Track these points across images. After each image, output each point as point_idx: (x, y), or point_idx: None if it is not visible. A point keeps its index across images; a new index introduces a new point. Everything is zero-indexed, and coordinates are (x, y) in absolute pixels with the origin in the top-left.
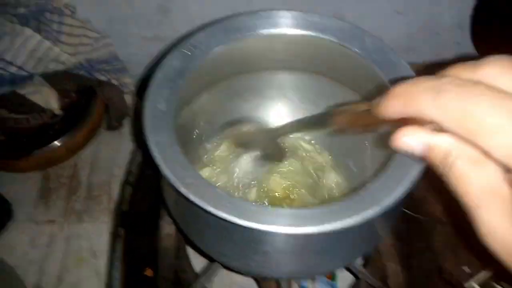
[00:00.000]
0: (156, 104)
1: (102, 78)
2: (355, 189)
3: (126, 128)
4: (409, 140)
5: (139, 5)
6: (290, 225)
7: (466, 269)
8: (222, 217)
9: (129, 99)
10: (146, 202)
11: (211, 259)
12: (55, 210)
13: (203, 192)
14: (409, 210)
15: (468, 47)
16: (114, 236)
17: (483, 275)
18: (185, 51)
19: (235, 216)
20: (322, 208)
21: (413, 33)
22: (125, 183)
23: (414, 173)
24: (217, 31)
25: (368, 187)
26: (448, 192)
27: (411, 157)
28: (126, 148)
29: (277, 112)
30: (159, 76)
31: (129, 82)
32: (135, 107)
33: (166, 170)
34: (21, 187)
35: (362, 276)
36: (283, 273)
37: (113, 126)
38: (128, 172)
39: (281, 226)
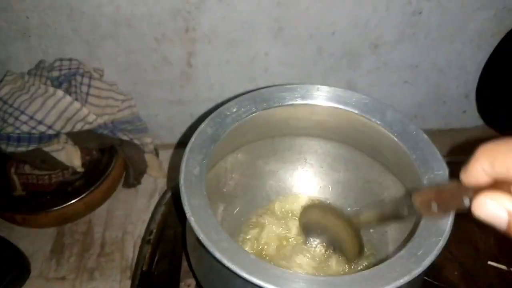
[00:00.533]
0: (190, 168)
1: (124, 137)
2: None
3: (143, 185)
4: (493, 205)
5: (164, 71)
6: None
7: None
8: (256, 283)
9: (148, 158)
10: (166, 263)
11: None
12: (67, 267)
13: (237, 257)
14: (428, 277)
15: (474, 116)
16: None
17: None
18: (218, 119)
19: (268, 283)
20: (355, 276)
21: (421, 102)
22: (144, 242)
23: (441, 241)
24: (246, 101)
25: (397, 256)
26: (464, 258)
27: (491, 224)
28: (141, 205)
29: (296, 175)
30: (194, 142)
31: (149, 142)
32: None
33: (201, 233)
34: (36, 242)
35: None
36: None
37: (131, 183)
38: (148, 232)
39: None
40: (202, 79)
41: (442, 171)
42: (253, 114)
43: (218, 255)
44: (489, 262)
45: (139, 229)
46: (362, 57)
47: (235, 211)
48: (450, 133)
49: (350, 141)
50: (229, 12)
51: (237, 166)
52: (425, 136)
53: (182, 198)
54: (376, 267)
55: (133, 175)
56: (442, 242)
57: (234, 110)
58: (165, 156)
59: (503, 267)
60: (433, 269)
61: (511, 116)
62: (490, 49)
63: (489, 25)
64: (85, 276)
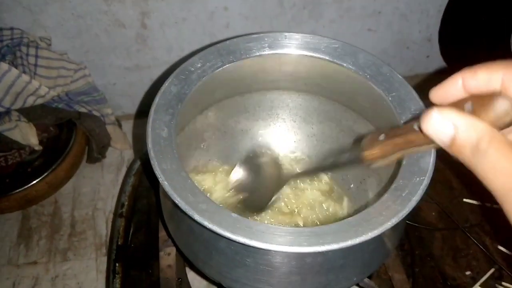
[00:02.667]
0: (158, 130)
1: (82, 110)
2: (365, 206)
3: (108, 159)
4: (440, 118)
5: (117, 35)
6: (312, 244)
7: (468, 273)
8: (241, 242)
9: (111, 129)
10: (142, 234)
11: (219, 286)
12: (38, 251)
13: (218, 217)
14: (407, 220)
15: (438, 60)
16: (111, 272)
17: (485, 277)
18: (182, 76)
19: (254, 239)
20: (341, 224)
21: (385, 49)
22: (117, 215)
23: (425, 180)
24: (211, 55)
25: (382, 199)
26: (440, 198)
27: (436, 140)
28: (109, 180)
29: (270, 132)
30: (158, 102)
31: (110, 113)
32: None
33: (177, 197)
34: (0, 229)
35: None
36: None
37: (95, 158)
38: (120, 204)
39: (304, 246)
40: (159, 40)
41: (419, 110)
42: (220, 69)
43: (197, 217)
44: (465, 200)
45: (110, 204)
46: (324, 5)
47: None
48: (415, 79)
49: (322, 91)
50: None
51: (207, 127)
52: (400, 76)
53: (152, 164)
54: (362, 212)
55: (96, 149)
56: (426, 181)
57: (199, 65)
58: (128, 126)
59: (478, 202)
60: (412, 212)
61: (474, 58)
62: None
63: None
64: (58, 258)
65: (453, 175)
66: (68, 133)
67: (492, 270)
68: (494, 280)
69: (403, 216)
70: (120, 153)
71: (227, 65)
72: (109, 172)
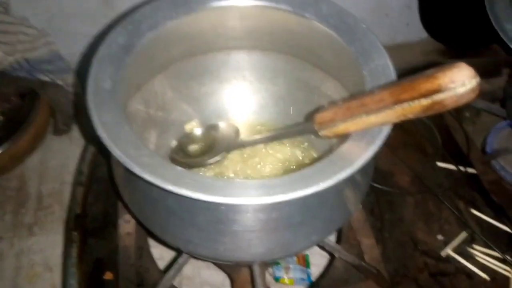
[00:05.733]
0: (100, 82)
1: (45, 79)
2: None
3: (75, 131)
4: None
5: None
6: (260, 195)
7: (439, 237)
8: (185, 194)
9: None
10: (101, 203)
11: (177, 252)
12: (2, 226)
13: (161, 171)
14: (377, 184)
15: (418, 28)
16: (68, 241)
17: (457, 241)
18: (130, 26)
19: (199, 192)
20: (293, 176)
21: (364, 17)
22: (76, 184)
23: (384, 133)
24: (164, 4)
25: (338, 150)
26: (413, 162)
27: None
28: (77, 152)
29: (236, 95)
30: (102, 52)
31: (76, 83)
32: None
33: (116, 150)
34: None
35: (338, 253)
36: (255, 255)
37: (61, 130)
38: (79, 173)
39: (252, 197)
40: (126, 5)
41: (383, 60)
42: (173, 20)
43: (137, 170)
44: (438, 163)
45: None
46: None
47: (172, 139)
48: (395, 48)
49: (287, 49)
50: None
51: (168, 89)
52: (363, 25)
53: (91, 115)
54: (316, 164)
55: (61, 120)
56: (385, 131)
57: (149, 15)
58: None
59: (452, 166)
60: (381, 176)
61: (455, 26)
62: None
63: None
64: (24, 233)
65: (426, 138)
66: (31, 103)
67: (464, 234)
68: (466, 244)
69: (359, 167)
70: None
71: (182, 17)
72: (78, 145)
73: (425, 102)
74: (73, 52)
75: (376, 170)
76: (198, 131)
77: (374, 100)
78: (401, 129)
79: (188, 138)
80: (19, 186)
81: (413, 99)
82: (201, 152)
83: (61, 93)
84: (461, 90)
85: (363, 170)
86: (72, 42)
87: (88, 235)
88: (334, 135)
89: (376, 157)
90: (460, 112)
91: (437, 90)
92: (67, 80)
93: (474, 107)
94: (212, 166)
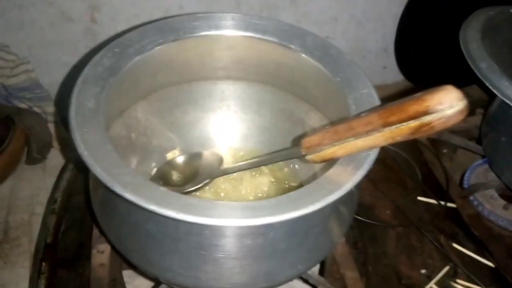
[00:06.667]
0: (83, 101)
1: (22, 105)
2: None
3: (49, 161)
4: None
5: (65, 29)
6: (248, 217)
7: (422, 271)
8: (168, 215)
9: (53, 128)
10: (74, 232)
11: (155, 283)
12: None
13: (144, 191)
14: (360, 216)
15: (394, 71)
16: (36, 272)
17: (440, 275)
18: (117, 49)
19: (184, 212)
20: (281, 198)
21: None
22: (48, 212)
23: (371, 157)
24: (152, 31)
25: (326, 174)
26: (394, 196)
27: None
28: (50, 183)
29: (220, 125)
30: (87, 73)
31: (53, 111)
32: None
33: (96, 168)
34: None
35: (322, 286)
36: (237, 285)
37: (35, 159)
38: (52, 201)
39: (239, 219)
40: (109, 34)
41: (367, 89)
42: (160, 46)
43: (118, 189)
44: (419, 198)
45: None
46: (280, 9)
47: (152, 166)
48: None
49: (273, 80)
50: None
51: (151, 116)
52: (347, 57)
53: (72, 134)
54: (304, 187)
55: (36, 149)
56: (372, 156)
57: (137, 40)
58: None
59: (433, 201)
60: (363, 209)
61: (430, 70)
62: (404, 1)
63: None
64: None
65: (406, 174)
66: (5, 130)
67: (447, 268)
68: (449, 278)
69: (348, 190)
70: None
71: (169, 43)
72: (51, 176)
73: (413, 124)
74: (52, 81)
75: (358, 203)
76: (180, 159)
77: (362, 123)
78: (382, 164)
79: (169, 165)
80: None
81: (401, 121)
82: (183, 180)
83: (37, 121)
84: (449, 112)
85: (348, 198)
86: (51, 71)
87: (58, 266)
88: (321, 160)
89: (360, 189)
90: (438, 148)
91: (426, 112)
92: (45, 108)
93: (451, 144)
94: (196, 193)
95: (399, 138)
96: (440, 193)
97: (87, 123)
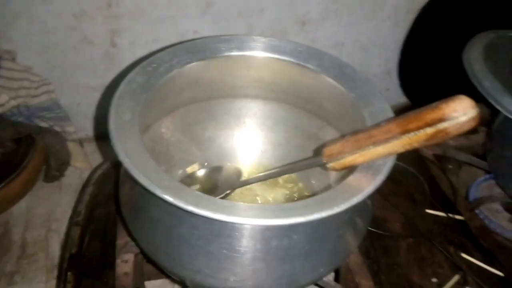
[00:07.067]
0: (121, 114)
1: (43, 124)
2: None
3: (67, 179)
4: None
5: (86, 52)
6: (278, 217)
7: (434, 280)
8: (206, 215)
9: (72, 147)
10: (97, 243)
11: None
12: None
13: (181, 193)
14: (373, 228)
15: (398, 93)
16: (61, 282)
17: (450, 283)
18: (149, 68)
19: (219, 213)
20: (307, 201)
21: None
22: (72, 224)
23: (389, 164)
24: (180, 51)
25: (347, 180)
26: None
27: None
28: (66, 201)
29: (237, 141)
30: (123, 89)
31: (72, 131)
32: None
33: (138, 174)
34: None
35: None
36: (262, 286)
37: (53, 176)
38: (75, 213)
39: (267, 218)
40: (128, 60)
41: (381, 103)
42: (188, 65)
43: (159, 192)
44: (427, 210)
45: (66, 226)
46: (290, 34)
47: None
48: None
49: (288, 98)
50: None
51: (173, 131)
52: (363, 75)
53: (113, 144)
54: (328, 191)
55: (54, 166)
56: (390, 162)
57: (167, 59)
58: (91, 149)
59: (441, 213)
60: (375, 222)
61: (433, 91)
62: (406, 26)
63: (403, 2)
64: (3, 282)
65: (415, 188)
66: (26, 148)
67: (457, 277)
68: (459, 286)
69: (369, 193)
70: (80, 174)
71: (195, 62)
72: (67, 193)
73: (430, 130)
74: (72, 102)
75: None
76: (200, 173)
77: (382, 132)
78: (392, 179)
79: (190, 178)
80: (2, 232)
81: (419, 128)
82: (204, 192)
83: (57, 139)
84: (463, 118)
85: (364, 207)
86: (72, 92)
87: (83, 276)
88: (342, 167)
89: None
90: (444, 164)
91: (441, 119)
92: (64, 128)
93: (456, 160)
94: None
95: (416, 144)
96: (448, 206)
97: (125, 133)
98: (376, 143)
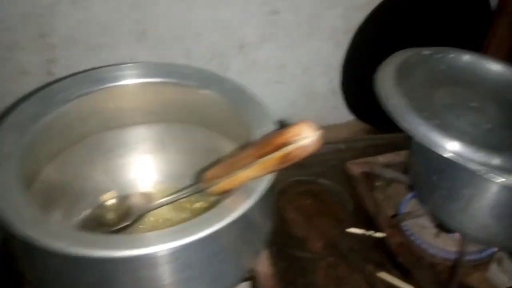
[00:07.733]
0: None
1: None
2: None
3: None
4: None
5: (22, 82)
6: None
7: None
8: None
9: None
10: None
11: None
12: None
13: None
14: (291, 249)
15: (346, 111)
16: None
17: None
18: (44, 96)
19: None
20: (194, 220)
21: (294, 101)
22: None
23: (260, 188)
24: (80, 80)
25: (224, 202)
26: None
27: None
28: None
29: (154, 166)
30: (11, 120)
31: None
32: None
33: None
34: None
35: None
36: None
37: None
38: None
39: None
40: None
41: (269, 127)
42: (86, 96)
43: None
44: (348, 229)
45: None
46: (230, 57)
47: (87, 208)
48: (325, 128)
49: (185, 117)
50: (85, 15)
51: (84, 159)
52: (258, 101)
53: None
54: (197, 218)
55: None
56: (263, 184)
57: (64, 89)
58: None
59: (362, 231)
60: (295, 241)
61: (376, 108)
62: (346, 46)
63: (340, 23)
64: None
65: (339, 207)
66: None
67: None
68: None
69: (234, 218)
70: None
71: (95, 92)
72: None
73: (278, 154)
74: None
75: (290, 236)
76: (111, 201)
77: (246, 156)
78: (316, 197)
79: (102, 208)
80: None
81: (270, 152)
82: (117, 219)
83: None
84: (305, 141)
85: (249, 226)
86: None
87: None
88: (222, 191)
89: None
90: (372, 182)
91: (286, 143)
92: None
93: (384, 177)
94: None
95: (272, 168)
96: (371, 224)
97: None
98: (241, 168)
